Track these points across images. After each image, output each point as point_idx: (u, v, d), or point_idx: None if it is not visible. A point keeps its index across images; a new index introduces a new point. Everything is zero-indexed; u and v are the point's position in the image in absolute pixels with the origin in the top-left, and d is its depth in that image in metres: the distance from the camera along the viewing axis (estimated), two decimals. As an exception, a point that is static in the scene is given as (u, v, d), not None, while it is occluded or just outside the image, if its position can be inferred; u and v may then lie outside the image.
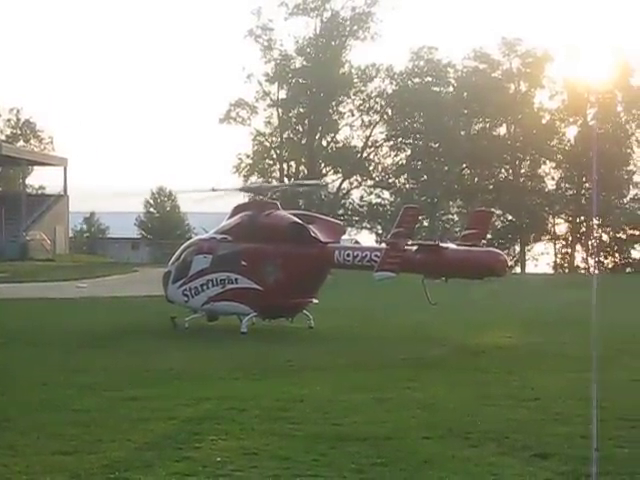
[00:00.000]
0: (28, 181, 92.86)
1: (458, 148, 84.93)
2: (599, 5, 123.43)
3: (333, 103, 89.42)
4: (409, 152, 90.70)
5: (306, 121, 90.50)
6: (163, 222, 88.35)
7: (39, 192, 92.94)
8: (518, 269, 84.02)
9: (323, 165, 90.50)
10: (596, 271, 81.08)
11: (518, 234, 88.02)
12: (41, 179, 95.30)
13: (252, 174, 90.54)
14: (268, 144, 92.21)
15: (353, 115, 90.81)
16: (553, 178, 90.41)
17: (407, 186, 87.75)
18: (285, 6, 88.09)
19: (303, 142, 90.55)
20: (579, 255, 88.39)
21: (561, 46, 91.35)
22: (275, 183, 68.03)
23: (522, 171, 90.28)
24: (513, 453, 10.88)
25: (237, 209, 27.45)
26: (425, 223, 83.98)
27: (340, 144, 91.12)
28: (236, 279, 25.61)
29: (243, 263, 25.54)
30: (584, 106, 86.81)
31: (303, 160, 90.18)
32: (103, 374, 16.97)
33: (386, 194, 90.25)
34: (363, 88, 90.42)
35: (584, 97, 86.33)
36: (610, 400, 13.84)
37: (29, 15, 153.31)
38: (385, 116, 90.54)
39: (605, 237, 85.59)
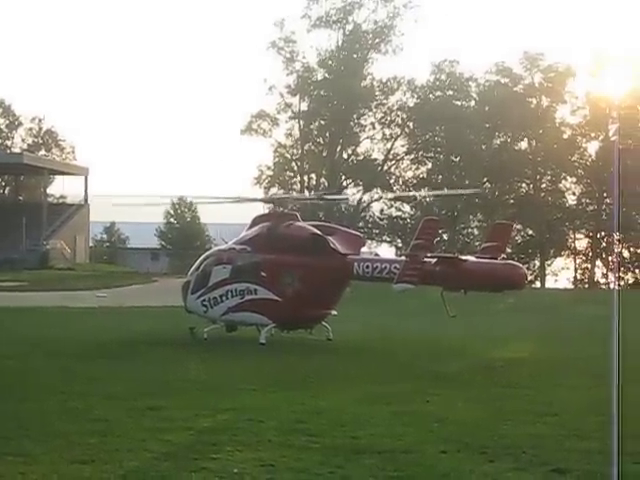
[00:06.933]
0: (49, 190, 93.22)
1: (479, 162, 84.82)
2: (621, 20, 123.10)
3: (354, 116, 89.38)
4: (430, 165, 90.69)
5: (327, 133, 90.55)
6: (183, 233, 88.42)
7: (60, 201, 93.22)
8: (538, 284, 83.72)
9: (344, 177, 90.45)
10: (616, 287, 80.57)
11: (538, 249, 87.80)
12: (62, 188, 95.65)
13: (273, 185, 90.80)
14: (289, 156, 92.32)
15: (374, 128, 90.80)
16: (574, 193, 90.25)
17: (427, 199, 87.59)
18: (308, 18, 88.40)
19: (324, 154, 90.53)
20: (599, 270, 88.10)
21: (583, 61, 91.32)
22: (298, 194, 67.83)
23: (543, 186, 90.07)
24: (530, 469, 10.81)
25: (257, 220, 27.45)
26: (445, 236, 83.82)
27: (361, 157, 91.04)
28: (255, 290, 25.59)
29: (262, 274, 25.53)
30: (606, 121, 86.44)
31: (324, 172, 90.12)
32: (121, 384, 16.98)
33: (406, 207, 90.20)
34: (384, 101, 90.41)
35: (606, 112, 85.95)
36: (629, 416, 13.77)
37: (52, 27, 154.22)
38: (406, 129, 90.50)
39: (626, 253, 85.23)
